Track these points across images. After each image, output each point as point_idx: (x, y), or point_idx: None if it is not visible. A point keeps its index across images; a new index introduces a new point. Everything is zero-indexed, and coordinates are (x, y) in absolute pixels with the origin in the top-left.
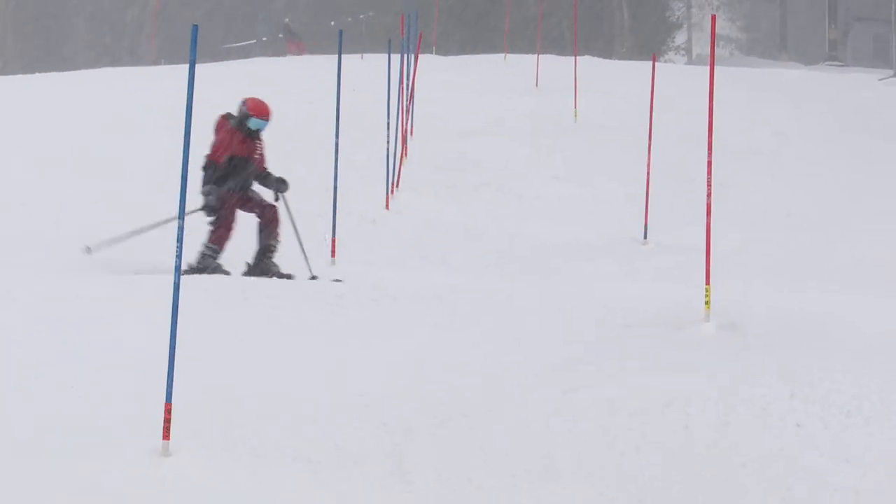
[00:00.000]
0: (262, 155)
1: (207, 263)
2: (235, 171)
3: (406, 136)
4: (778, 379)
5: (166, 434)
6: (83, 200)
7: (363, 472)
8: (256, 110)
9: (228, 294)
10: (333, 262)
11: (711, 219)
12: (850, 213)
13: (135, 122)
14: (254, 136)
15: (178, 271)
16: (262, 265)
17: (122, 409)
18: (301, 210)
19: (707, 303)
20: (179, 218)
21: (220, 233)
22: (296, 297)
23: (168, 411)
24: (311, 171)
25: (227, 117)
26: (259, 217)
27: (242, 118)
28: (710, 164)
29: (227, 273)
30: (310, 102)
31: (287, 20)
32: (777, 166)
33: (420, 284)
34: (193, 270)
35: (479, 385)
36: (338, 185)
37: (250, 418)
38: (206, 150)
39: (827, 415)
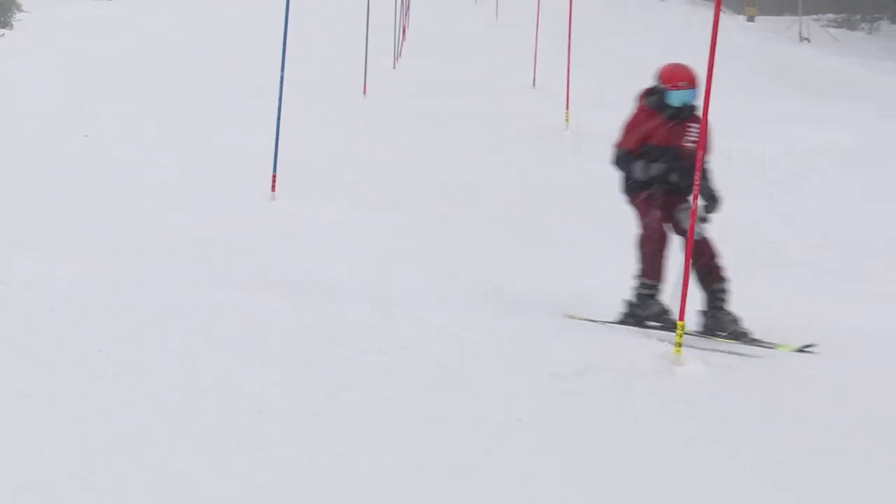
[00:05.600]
0: (696, 142)
1: (649, 308)
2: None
3: (406, 27)
4: None
5: (273, 188)
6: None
7: (386, 211)
8: (670, 78)
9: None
10: (365, 96)
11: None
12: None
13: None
14: (678, 117)
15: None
16: (714, 317)
17: (249, 174)
18: (342, 70)
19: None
20: None
21: (650, 257)
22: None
23: (273, 177)
24: (343, 49)
25: (644, 94)
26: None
27: (659, 94)
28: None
29: (671, 322)
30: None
31: None
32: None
33: (419, 110)
34: (634, 319)
35: (466, 159)
36: (368, 57)
37: (325, 181)
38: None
39: None
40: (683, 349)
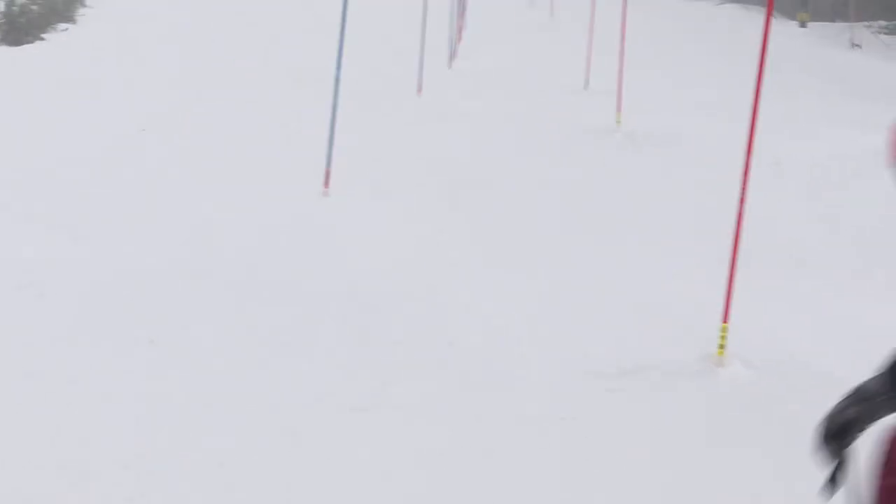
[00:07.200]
0: None
1: None
2: None
3: (461, 28)
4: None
5: (326, 184)
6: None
7: (427, 195)
8: None
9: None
10: (420, 95)
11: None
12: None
13: None
14: None
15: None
16: None
17: (300, 169)
18: (397, 68)
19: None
20: None
21: None
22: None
23: (327, 173)
24: (398, 48)
25: None
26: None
27: None
28: None
29: None
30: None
31: None
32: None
33: (473, 109)
34: None
35: (519, 157)
36: (424, 56)
37: (376, 178)
38: None
39: None
40: (726, 351)
